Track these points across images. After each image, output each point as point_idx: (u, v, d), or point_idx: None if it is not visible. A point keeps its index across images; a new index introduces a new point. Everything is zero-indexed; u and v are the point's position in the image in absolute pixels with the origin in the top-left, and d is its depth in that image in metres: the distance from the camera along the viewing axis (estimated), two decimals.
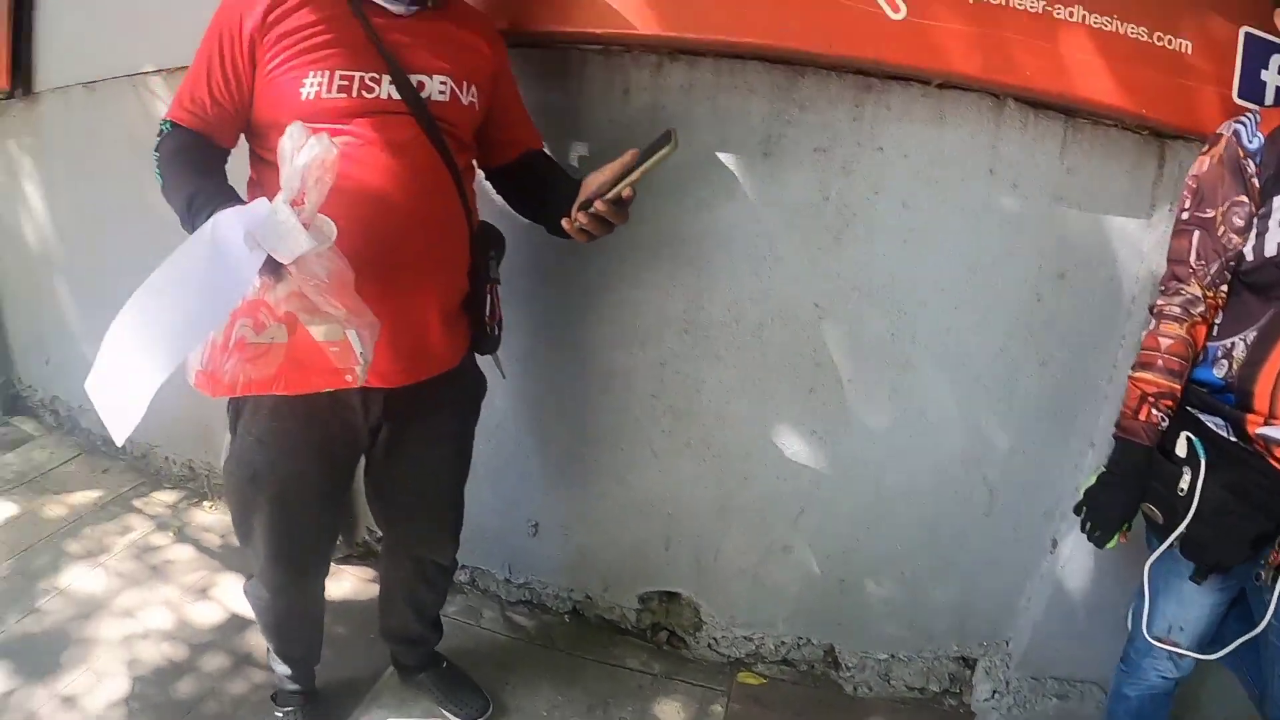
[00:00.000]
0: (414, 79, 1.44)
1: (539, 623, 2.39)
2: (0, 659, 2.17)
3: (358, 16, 1.42)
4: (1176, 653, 1.52)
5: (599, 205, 1.39)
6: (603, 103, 1.87)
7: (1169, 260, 1.48)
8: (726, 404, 1.99)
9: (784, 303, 1.88)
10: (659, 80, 1.82)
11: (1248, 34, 1.59)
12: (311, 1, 1.40)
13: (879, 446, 1.95)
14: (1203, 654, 1.50)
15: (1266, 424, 1.31)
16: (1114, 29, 1.59)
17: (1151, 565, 1.48)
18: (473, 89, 1.51)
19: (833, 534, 2.05)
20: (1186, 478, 1.37)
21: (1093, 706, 2.03)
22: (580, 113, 1.88)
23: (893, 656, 2.15)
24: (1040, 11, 1.58)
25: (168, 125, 1.46)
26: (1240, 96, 1.60)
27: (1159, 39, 1.59)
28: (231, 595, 2.43)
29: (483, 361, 1.74)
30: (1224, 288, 1.41)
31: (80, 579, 2.51)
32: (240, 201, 1.33)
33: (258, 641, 2.22)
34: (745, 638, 2.21)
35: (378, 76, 1.41)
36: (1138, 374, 1.46)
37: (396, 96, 1.42)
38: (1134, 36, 1.59)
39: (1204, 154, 1.44)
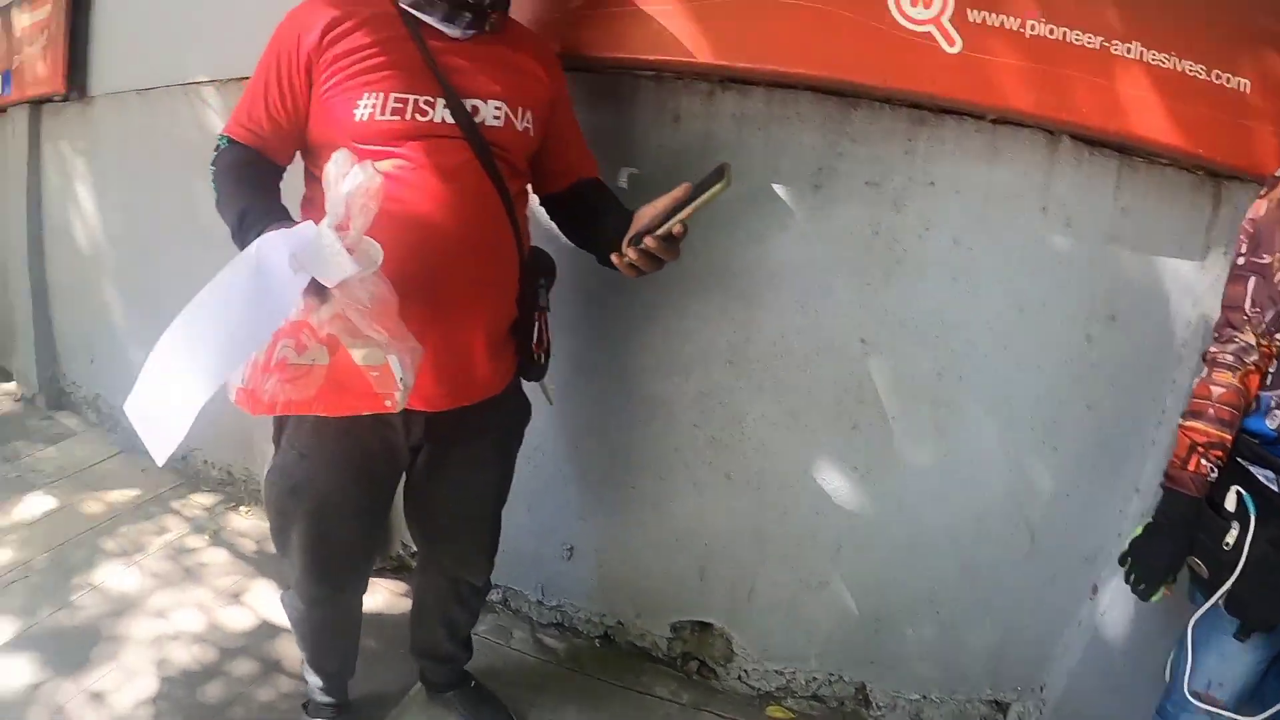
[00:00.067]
0: (468, 103, 1.44)
1: (569, 646, 2.37)
2: (31, 651, 2.20)
3: (414, 39, 1.43)
4: (1216, 711, 1.48)
5: (649, 242, 1.37)
6: (653, 129, 1.87)
7: (1223, 306, 1.44)
8: (768, 437, 1.97)
9: (830, 337, 1.86)
10: (710, 108, 1.81)
11: None
12: (369, 23, 1.41)
13: (920, 485, 1.91)
14: (1240, 714, 1.46)
15: None
16: (1172, 66, 1.56)
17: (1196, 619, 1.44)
18: (528, 115, 1.50)
19: (870, 571, 2.02)
20: (1234, 532, 1.34)
21: None
22: (630, 138, 1.88)
23: (924, 697, 2.11)
24: (1098, 48, 1.56)
25: (224, 141, 1.48)
26: None
27: (1217, 77, 1.56)
28: (264, 601, 2.44)
29: (529, 387, 1.73)
30: (1279, 336, 1.38)
31: (115, 576, 2.54)
32: (291, 220, 1.33)
33: (287, 649, 2.23)
34: (776, 671, 2.17)
35: (432, 100, 1.41)
36: (1188, 423, 1.42)
37: (450, 120, 1.42)
38: (1192, 74, 1.56)
39: (1261, 197, 1.41)
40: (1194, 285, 1.71)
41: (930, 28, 1.58)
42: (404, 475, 1.69)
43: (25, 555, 2.65)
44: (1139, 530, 1.50)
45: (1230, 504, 1.37)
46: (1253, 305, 1.38)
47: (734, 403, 1.98)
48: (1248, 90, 1.57)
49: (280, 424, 1.58)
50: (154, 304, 3.14)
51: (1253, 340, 1.38)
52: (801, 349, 1.89)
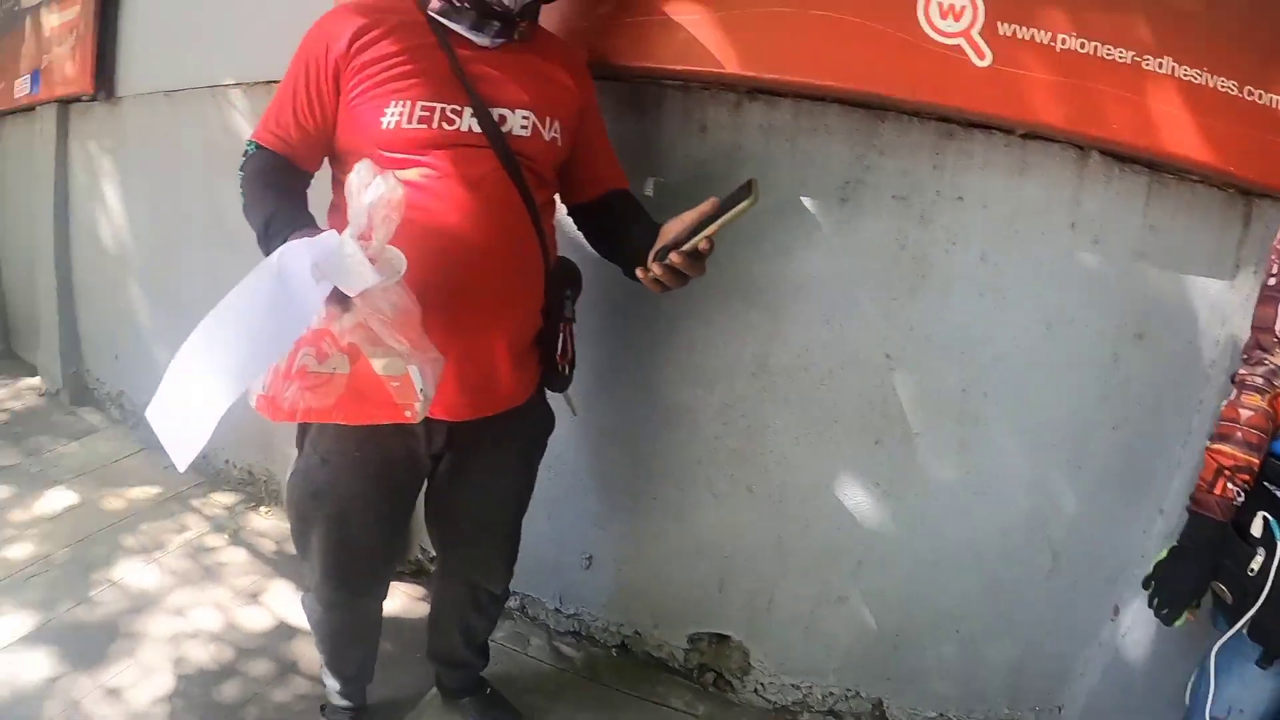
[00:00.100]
0: (496, 112, 1.43)
1: (586, 654, 2.37)
2: (49, 645, 2.22)
3: (443, 48, 1.42)
4: None
5: (674, 258, 1.35)
6: (680, 138, 1.86)
7: (1253, 328, 1.43)
8: (791, 450, 1.96)
9: (855, 351, 1.85)
10: (737, 119, 1.81)
11: None
12: (397, 31, 1.41)
13: (943, 502, 1.90)
14: None
15: None
16: (1203, 82, 1.53)
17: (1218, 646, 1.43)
18: (556, 124, 1.50)
19: (890, 587, 2.00)
20: (1259, 559, 1.33)
21: None
22: (656, 147, 1.88)
23: (942, 715, 2.09)
24: (1129, 62, 1.54)
25: (253, 146, 1.48)
26: None
27: (1249, 93, 1.54)
28: (282, 602, 2.45)
29: (553, 397, 1.73)
30: None
31: (134, 573, 2.56)
32: (316, 227, 1.34)
33: (304, 650, 2.24)
34: (793, 685, 2.16)
35: (459, 109, 1.40)
36: (1215, 446, 1.40)
37: (477, 130, 1.41)
38: (1224, 90, 1.54)
39: None
40: (1223, 304, 1.69)
41: (960, 40, 1.56)
42: (425, 482, 1.69)
43: (46, 550, 2.67)
44: (1164, 554, 1.48)
45: (1256, 529, 1.35)
46: None
47: (757, 415, 1.97)
48: None
49: (303, 428, 1.59)
50: (178, 304, 3.20)
51: None
52: (826, 362, 1.87)
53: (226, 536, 2.80)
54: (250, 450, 3.01)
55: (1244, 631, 1.36)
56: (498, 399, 1.55)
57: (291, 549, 2.58)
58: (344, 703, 1.94)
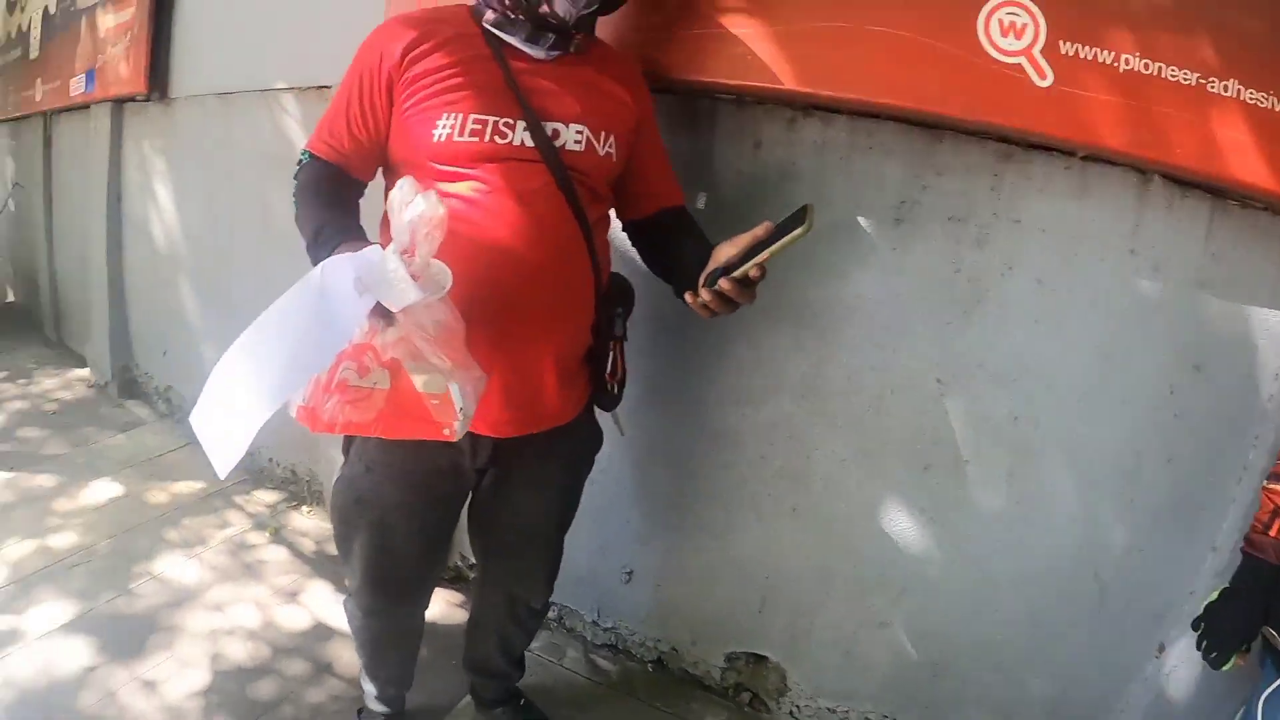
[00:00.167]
0: (549, 126, 1.42)
1: (621, 669, 2.36)
2: (88, 634, 2.26)
3: (497, 60, 1.42)
4: None
5: (724, 284, 1.33)
6: (733, 153, 1.85)
7: None
8: (837, 473, 1.94)
9: (906, 376, 1.82)
10: (792, 135, 1.79)
11: None
12: (451, 43, 1.41)
13: (990, 531, 1.86)
14: None
15: None
16: (1270, 106, 1.47)
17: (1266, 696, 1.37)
18: (611, 139, 1.48)
19: (932, 615, 1.97)
20: None
21: None
22: (709, 162, 1.87)
23: None
24: (1193, 84, 1.48)
25: (306, 156, 1.49)
26: None
27: None
28: (320, 602, 2.48)
29: (602, 416, 1.72)
30: None
31: (175, 567, 2.60)
32: (366, 239, 1.34)
33: (340, 652, 2.26)
34: (829, 709, 2.13)
35: (512, 122, 1.39)
36: (1273, 485, 1.36)
37: (530, 144, 1.40)
38: None
39: None
40: None
41: (1021, 59, 1.53)
42: (470, 494, 1.68)
43: (89, 540, 2.72)
44: (1214, 595, 1.44)
45: None
46: None
47: (804, 436, 1.95)
48: None
49: (349, 435, 1.59)
50: (227, 303, 3.24)
51: None
52: (875, 386, 1.85)
53: (268, 534, 2.83)
54: (294, 450, 3.04)
55: None
56: (544, 416, 1.54)
57: (331, 549, 2.62)
58: (382, 709, 1.95)
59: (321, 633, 2.35)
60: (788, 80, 1.66)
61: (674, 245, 1.58)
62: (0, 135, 5.95)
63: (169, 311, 3.64)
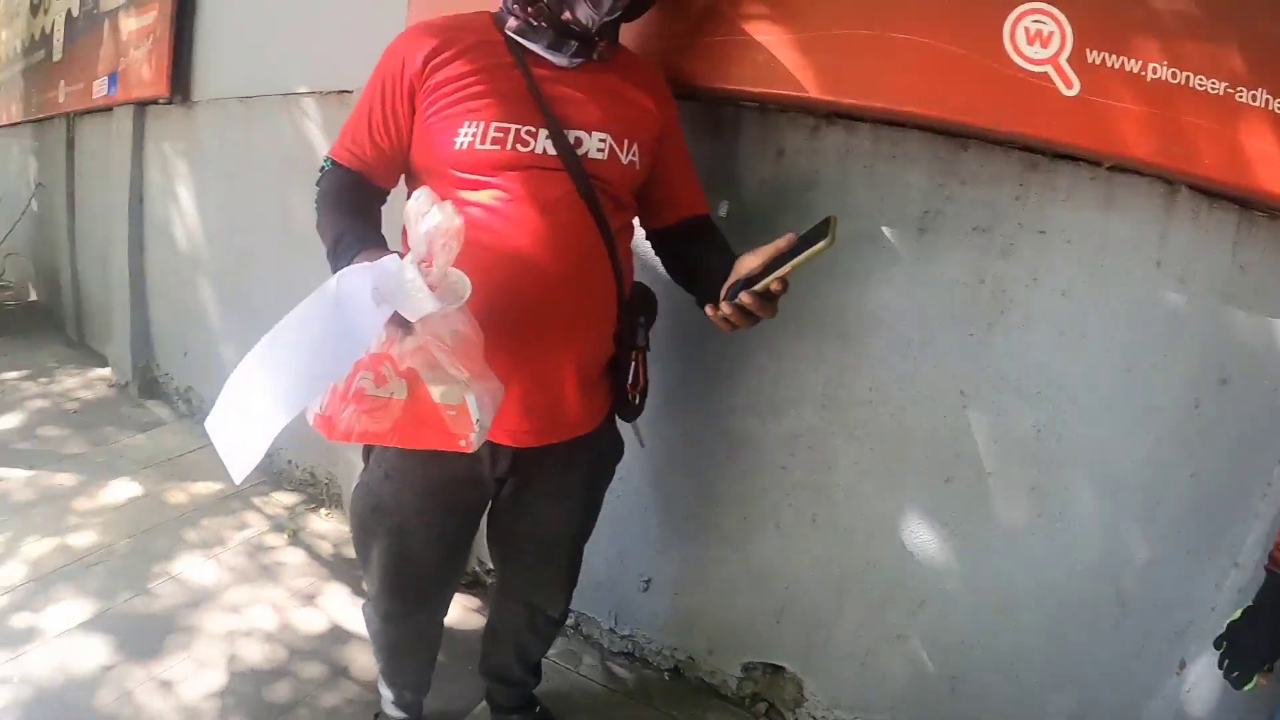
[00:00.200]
0: (571, 134, 1.41)
1: (638, 676, 2.35)
2: (106, 633, 2.28)
3: (519, 67, 1.41)
4: None
5: (744, 298, 1.30)
6: (755, 161, 1.84)
7: None
8: (858, 484, 1.93)
9: (928, 387, 1.81)
10: (815, 144, 1.78)
11: None
12: (473, 50, 1.40)
13: (1011, 545, 1.84)
14: None
15: None
16: None
17: None
18: (634, 148, 1.47)
19: (951, 629, 1.95)
20: None
21: None
22: (731, 170, 1.86)
23: None
24: (1221, 94, 1.46)
25: (329, 163, 1.49)
26: None
27: None
28: (337, 605, 2.48)
29: (623, 426, 1.71)
30: None
31: (193, 568, 2.62)
32: (385, 247, 1.34)
33: (357, 655, 2.27)
34: None
35: (534, 130, 1.39)
36: None
37: (552, 152, 1.39)
38: None
39: None
40: None
41: (1047, 68, 1.51)
42: (489, 502, 1.68)
43: (108, 539, 2.73)
44: (1237, 614, 1.42)
45: None
46: None
47: (824, 447, 1.94)
48: None
49: None
50: (249, 306, 3.26)
51: None
52: (898, 397, 1.84)
53: (286, 536, 2.84)
54: (313, 452, 3.05)
55: None
56: (564, 426, 1.53)
57: (349, 553, 2.63)
58: (399, 714, 1.95)
59: (338, 636, 2.35)
60: (811, 88, 1.65)
61: (697, 255, 1.56)
62: (24, 136, 6.00)
63: (190, 313, 3.66)
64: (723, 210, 1.87)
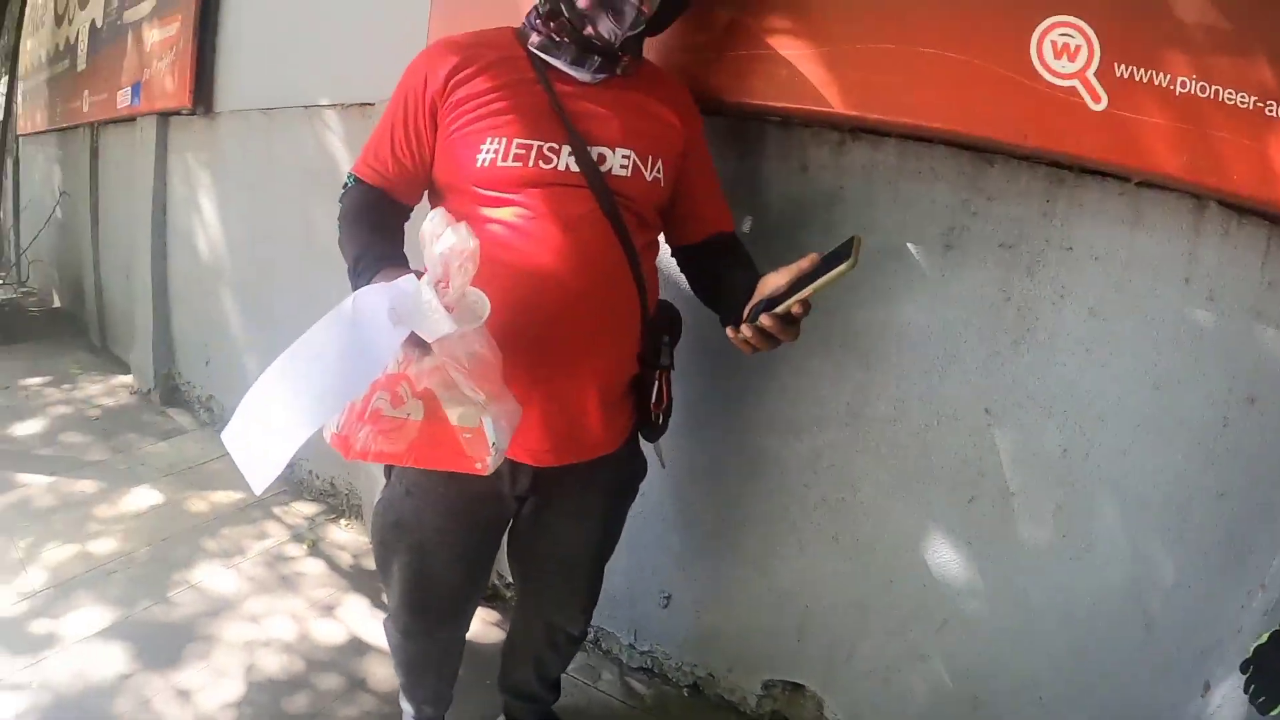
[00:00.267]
0: (595, 151, 1.40)
1: (657, 693, 2.33)
2: (125, 641, 2.29)
3: (542, 83, 1.40)
4: None
5: (765, 320, 1.27)
6: (779, 177, 1.83)
7: None
8: (881, 502, 1.91)
9: (953, 405, 1.79)
10: (839, 159, 1.77)
11: None
12: (495, 67, 1.40)
13: (1035, 565, 1.82)
14: None
15: None
16: None
17: None
18: (658, 164, 1.46)
19: (973, 649, 1.93)
20: None
21: None
22: (755, 185, 1.85)
23: None
24: (1251, 108, 1.43)
25: (351, 180, 1.49)
26: None
27: None
28: (356, 617, 2.48)
29: (645, 444, 1.70)
30: None
31: (212, 577, 2.63)
32: (405, 265, 1.34)
33: (375, 668, 2.27)
34: None
35: (557, 147, 1.37)
36: None
37: (575, 169, 1.38)
38: None
39: None
40: None
41: (1075, 82, 1.49)
42: (510, 520, 1.67)
43: (129, 546, 2.75)
44: (1264, 638, 1.39)
45: None
46: None
47: (847, 465, 1.92)
48: None
49: None
50: (270, 317, 3.27)
51: None
52: (922, 415, 1.82)
53: (305, 547, 2.84)
54: (333, 463, 3.06)
55: None
56: (585, 446, 1.51)
57: (368, 564, 2.63)
58: None
59: (357, 648, 2.35)
60: (835, 103, 1.64)
61: (722, 274, 1.54)
62: (49, 144, 6.07)
63: (212, 322, 3.69)
64: (746, 226, 1.85)
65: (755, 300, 1.33)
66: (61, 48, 5.47)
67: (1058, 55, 1.50)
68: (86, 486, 3.15)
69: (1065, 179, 1.63)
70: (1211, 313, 1.62)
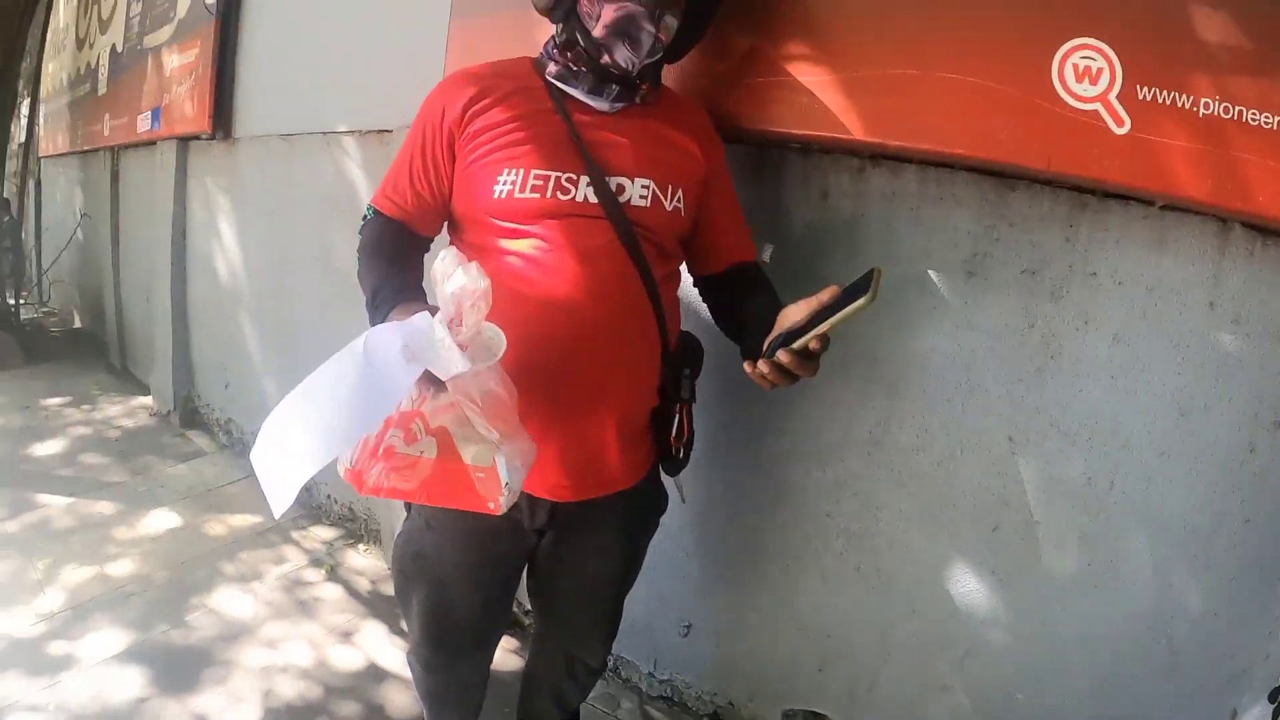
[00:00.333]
0: (614, 181, 1.39)
1: None
2: (142, 665, 2.29)
3: (560, 113, 1.39)
4: None
5: (782, 356, 1.23)
6: (800, 204, 1.82)
7: None
8: (903, 532, 1.89)
9: (976, 434, 1.77)
10: (860, 186, 1.76)
11: None
12: (512, 97, 1.39)
13: (1059, 595, 1.79)
14: None
15: None
16: None
17: None
18: (679, 194, 1.44)
19: (997, 679, 1.90)
20: None
21: None
22: (775, 213, 1.84)
23: None
24: (1275, 128, 1.40)
25: (371, 212, 1.49)
26: None
27: None
28: (374, 643, 2.48)
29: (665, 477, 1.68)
30: None
31: (230, 601, 2.63)
32: (422, 300, 1.34)
33: (393, 695, 2.26)
34: None
35: (575, 177, 1.36)
36: None
37: (593, 199, 1.37)
38: None
39: None
40: None
41: (1097, 105, 1.47)
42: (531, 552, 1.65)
43: (147, 569, 2.75)
44: None
45: None
46: None
47: (870, 494, 1.90)
48: None
49: None
50: (289, 341, 3.29)
51: None
52: (945, 444, 1.80)
53: (323, 572, 2.84)
54: (351, 487, 3.05)
55: None
56: (604, 481, 1.50)
57: (386, 590, 2.63)
58: None
59: (375, 674, 2.34)
60: (856, 130, 1.63)
61: (742, 304, 1.51)
62: (70, 167, 6.14)
63: (231, 345, 3.71)
64: (766, 254, 1.84)
65: (775, 334, 1.30)
66: (83, 71, 5.54)
67: (1079, 78, 1.48)
68: (105, 508, 3.17)
69: (1088, 203, 1.61)
70: (1237, 336, 1.59)
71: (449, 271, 1.11)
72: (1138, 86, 1.45)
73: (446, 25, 2.19)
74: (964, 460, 1.79)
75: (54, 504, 3.17)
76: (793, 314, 1.28)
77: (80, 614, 2.48)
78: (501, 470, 1.20)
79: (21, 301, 5.95)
